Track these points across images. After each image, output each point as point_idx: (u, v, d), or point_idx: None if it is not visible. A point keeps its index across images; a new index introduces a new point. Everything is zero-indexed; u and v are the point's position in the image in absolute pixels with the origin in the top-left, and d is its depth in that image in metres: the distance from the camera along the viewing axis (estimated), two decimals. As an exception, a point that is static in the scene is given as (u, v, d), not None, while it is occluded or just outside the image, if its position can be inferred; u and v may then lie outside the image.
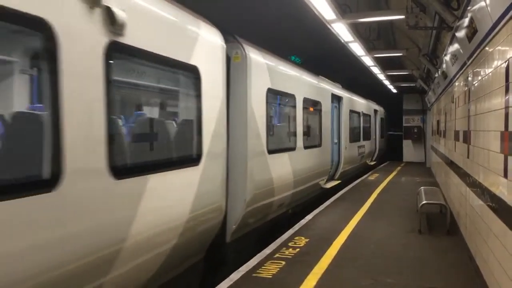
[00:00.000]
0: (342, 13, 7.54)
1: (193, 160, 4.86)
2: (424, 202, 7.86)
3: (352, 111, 15.12)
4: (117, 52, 3.59)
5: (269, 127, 7.33)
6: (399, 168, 20.47)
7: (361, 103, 17.42)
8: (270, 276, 5.32)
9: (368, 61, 12.78)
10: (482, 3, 4.33)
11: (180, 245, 4.58)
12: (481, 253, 5.20)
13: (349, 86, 15.82)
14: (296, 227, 7.94)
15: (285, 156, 8.12)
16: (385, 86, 20.81)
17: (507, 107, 3.86)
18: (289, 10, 10.02)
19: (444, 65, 8.91)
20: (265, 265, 5.73)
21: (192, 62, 4.76)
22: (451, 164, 9.06)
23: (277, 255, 6.18)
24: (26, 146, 3.08)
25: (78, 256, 3.15)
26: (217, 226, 5.51)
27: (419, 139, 23.34)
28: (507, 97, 3.87)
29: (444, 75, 9.50)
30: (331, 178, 12.58)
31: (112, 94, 3.52)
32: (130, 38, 3.67)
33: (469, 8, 5.02)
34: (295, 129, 8.87)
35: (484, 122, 5.00)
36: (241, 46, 6.37)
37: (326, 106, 11.50)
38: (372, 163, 20.98)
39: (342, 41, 9.57)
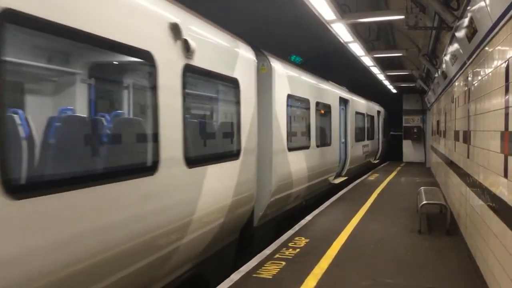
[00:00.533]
0: (342, 13, 7.54)
1: (235, 154, 5.96)
2: (424, 202, 7.86)
3: (357, 113, 16.20)
4: (189, 72, 4.64)
5: (289, 128, 8.39)
6: (399, 168, 20.47)
7: (365, 105, 18.44)
8: (270, 277, 5.32)
9: (367, 61, 12.78)
10: (482, 3, 4.33)
11: (225, 223, 5.66)
12: (481, 253, 5.20)
13: (349, 85, 15.92)
14: (296, 227, 7.94)
15: (301, 153, 9.23)
16: (384, 86, 20.82)
17: (507, 107, 3.86)
18: (290, 9, 10.02)
19: (444, 65, 8.91)
20: (265, 265, 5.73)
21: (234, 75, 5.92)
22: (451, 164, 9.06)
23: (277, 255, 6.18)
24: (143, 143, 4.15)
25: (171, 220, 4.31)
26: (249, 211, 6.65)
27: (419, 139, 23.35)
28: (507, 97, 3.87)
29: (444, 75, 9.50)
30: (338, 175, 13.54)
31: (186, 103, 4.59)
32: (197, 60, 4.78)
33: (468, 8, 5.02)
34: (309, 129, 9.98)
35: (484, 122, 4.99)
36: (267, 58, 7.49)
37: (335, 108, 12.57)
38: (376, 161, 22.09)
39: (342, 41, 9.57)
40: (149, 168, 3.98)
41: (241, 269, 5.59)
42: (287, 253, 6.30)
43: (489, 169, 4.63)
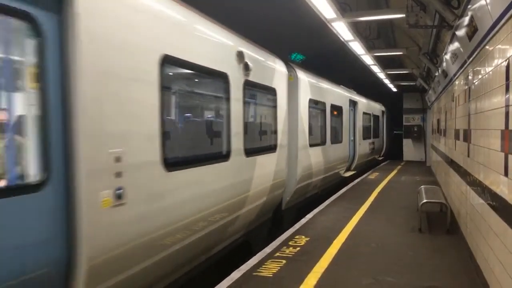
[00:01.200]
0: (342, 12, 7.54)
1: (273, 148, 7.62)
2: (424, 201, 7.87)
3: (364, 113, 17.97)
4: (247, 85, 6.31)
5: (310, 127, 9.92)
6: (399, 167, 20.48)
7: (371, 106, 20.21)
8: (271, 275, 5.33)
9: (368, 60, 12.77)
10: (482, 2, 4.33)
11: (266, 201, 7.31)
12: (481, 251, 5.20)
13: (349, 84, 16.00)
14: (297, 225, 7.94)
15: (319, 149, 10.80)
16: (385, 85, 20.81)
17: (507, 106, 3.86)
18: (291, 8, 10.02)
19: (444, 64, 8.91)
20: (265, 263, 5.74)
21: (273, 85, 7.58)
22: (452, 163, 9.06)
23: (277, 253, 6.19)
24: (224, 138, 5.71)
25: (238, 193, 6.00)
26: (280, 195, 8.24)
27: (419, 138, 23.34)
28: (507, 95, 3.87)
29: (444, 73, 9.49)
30: (348, 169, 15.17)
31: (245, 109, 6.31)
32: (251, 77, 6.39)
33: (469, 6, 5.02)
34: (325, 128, 11.58)
35: (484, 120, 5.00)
36: (294, 70, 9.02)
37: (346, 109, 14.17)
38: (380, 158, 23.65)
39: (342, 39, 9.57)
40: (226, 156, 5.70)
41: (241, 267, 5.60)
42: (287, 251, 6.31)
43: (489, 168, 4.63)
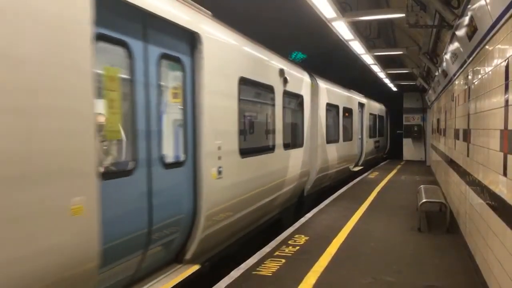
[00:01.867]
0: (342, 11, 7.53)
1: (301, 144, 9.45)
2: (424, 200, 7.87)
3: (370, 114, 19.94)
4: (285, 94, 8.12)
5: (327, 127, 11.79)
6: (399, 166, 20.48)
7: (377, 107, 22.13)
8: (270, 274, 5.34)
9: (368, 59, 12.77)
10: (482, 2, 4.33)
11: (295, 186, 9.03)
12: (480, 251, 5.21)
13: (349, 83, 16.14)
14: (296, 225, 7.96)
15: (333, 146, 12.58)
16: (385, 85, 20.79)
17: (506, 106, 3.87)
18: (292, 7, 10.04)
19: (444, 64, 8.91)
20: (265, 263, 5.75)
21: (301, 93, 9.42)
22: (451, 163, 9.07)
23: (277, 253, 6.20)
24: (272, 135, 7.57)
25: (279, 176, 7.81)
26: (304, 183, 9.95)
27: (419, 137, 23.33)
28: (506, 95, 3.87)
29: (444, 73, 9.49)
30: (356, 164, 16.85)
31: (284, 112, 8.08)
32: (287, 87, 8.21)
33: (469, 6, 5.02)
34: (338, 127, 13.38)
35: (484, 120, 5.00)
36: (314, 78, 10.83)
37: (355, 111, 16.07)
38: (385, 155, 25.28)
39: (342, 39, 9.57)
40: (272, 148, 7.54)
41: (240, 266, 5.61)
42: (287, 250, 6.31)
43: (489, 168, 4.64)
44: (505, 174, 3.87)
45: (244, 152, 6.14)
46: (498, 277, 4.20)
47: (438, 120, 14.31)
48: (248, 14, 10.82)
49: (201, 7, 5.21)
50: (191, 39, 4.92)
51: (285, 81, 8.04)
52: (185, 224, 4.83)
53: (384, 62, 15.24)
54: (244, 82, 6.22)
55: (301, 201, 10.07)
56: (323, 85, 11.45)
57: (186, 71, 4.82)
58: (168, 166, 4.51)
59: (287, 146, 8.26)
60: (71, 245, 3.07)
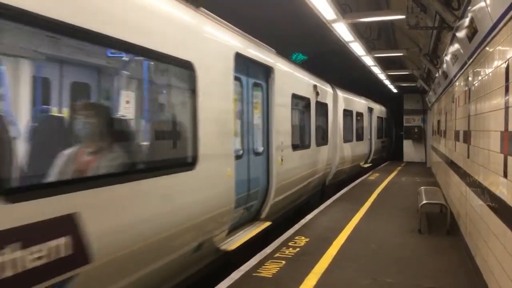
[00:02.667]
0: (343, 13, 7.54)
1: (326, 143, 11.74)
2: (424, 201, 7.87)
3: (378, 117, 22.62)
4: (317, 104, 10.50)
5: (344, 129, 14.21)
6: (399, 168, 20.47)
7: (383, 111, 24.74)
8: (270, 276, 5.34)
9: (368, 61, 12.78)
10: (482, 3, 4.33)
11: (321, 176, 11.33)
12: (481, 253, 5.21)
13: (347, 84, 16.31)
14: (297, 226, 7.95)
15: (348, 145, 15.00)
16: (386, 86, 20.80)
17: (507, 107, 3.87)
18: (293, 8, 10.05)
19: (444, 65, 8.91)
20: (265, 264, 5.75)
21: (327, 101, 11.87)
22: (451, 164, 9.07)
23: (277, 254, 6.19)
24: (308, 136, 10.07)
25: (311, 167, 10.12)
26: (326, 175, 12.30)
27: (420, 139, 23.31)
28: (507, 97, 3.87)
29: (445, 75, 9.50)
30: (365, 162, 19.31)
31: (316, 117, 10.41)
32: (319, 98, 10.62)
33: (469, 8, 5.02)
34: (352, 129, 15.79)
35: (484, 122, 5.00)
36: (335, 89, 13.26)
37: (365, 114, 18.60)
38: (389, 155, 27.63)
39: (343, 40, 9.58)
40: (309, 145, 9.94)
41: (241, 268, 5.60)
42: (287, 252, 6.31)
43: (489, 169, 4.64)
44: (505, 175, 3.87)
45: (294, 147, 8.64)
46: (499, 279, 4.19)
47: (438, 122, 14.31)
48: (248, 14, 10.83)
49: (270, 48, 7.72)
50: (267, 70, 7.42)
51: (317, 94, 10.58)
52: (262, 194, 7.21)
53: (385, 64, 15.25)
54: (294, 96, 8.75)
55: (323, 189, 12.41)
56: (341, 94, 13.95)
57: (264, 92, 7.34)
58: (256, 154, 7.02)
59: (318, 144, 10.72)
60: (226, 193, 5.49)
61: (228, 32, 5.93)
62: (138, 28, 3.81)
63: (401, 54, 13.25)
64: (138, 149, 4.36)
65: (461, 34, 5.91)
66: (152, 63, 4.42)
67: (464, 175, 6.87)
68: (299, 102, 9.54)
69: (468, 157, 6.33)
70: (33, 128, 3.94)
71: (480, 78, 5.35)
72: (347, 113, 14.78)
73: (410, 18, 7.35)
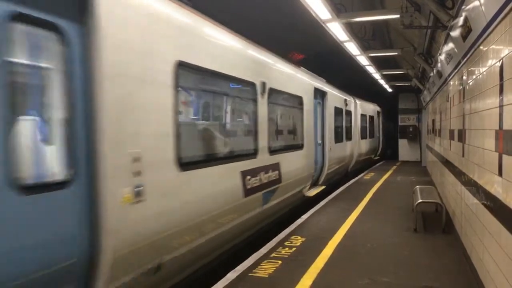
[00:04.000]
0: (337, 13, 7.55)
1: (351, 138, 16.59)
2: (419, 200, 7.88)
3: (382, 118, 27.51)
4: (346, 112, 15.69)
5: (361, 128, 18.88)
6: (394, 167, 20.53)
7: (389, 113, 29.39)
8: (266, 276, 5.33)
9: (363, 60, 12.80)
10: (476, 2, 4.35)
11: (346, 163, 15.63)
12: (476, 251, 5.22)
13: (345, 84, 16.87)
14: (292, 226, 7.95)
15: (364, 141, 19.62)
16: (381, 85, 20.85)
17: (501, 106, 3.88)
18: (288, 8, 10.06)
19: (439, 64, 8.94)
20: (261, 264, 5.74)
21: (351, 109, 16.75)
22: (447, 163, 9.09)
23: (273, 254, 6.19)
24: (341, 133, 15.10)
25: (344, 156, 15.30)
26: (350, 162, 16.45)
27: (415, 138, 23.39)
28: (501, 96, 3.88)
29: (439, 74, 9.53)
30: (375, 155, 23.76)
31: (346, 121, 15.61)
32: (347, 107, 15.81)
33: (463, 7, 5.04)
34: (366, 129, 20.40)
35: (479, 120, 5.01)
36: (355, 99, 17.64)
37: (375, 117, 23.31)
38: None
39: (337, 40, 9.58)
40: (341, 140, 14.56)
41: (237, 268, 5.59)
42: (283, 252, 6.31)
43: (484, 168, 4.65)
44: (500, 174, 3.88)
45: (336, 141, 13.22)
46: (494, 277, 4.20)
47: (433, 121, 14.36)
48: (243, 15, 10.82)
49: (322, 78, 12.22)
50: (323, 94, 11.87)
51: (346, 104, 15.48)
52: (319, 169, 11.37)
53: (379, 63, 15.29)
54: (335, 109, 13.29)
55: (347, 174, 16.25)
56: (358, 101, 18.29)
57: (321, 106, 11.89)
58: (318, 144, 11.15)
59: (346, 139, 15.29)
60: (312, 164, 10.53)
61: (310, 75, 10.91)
62: (293, 87, 9.31)
63: (396, 53, 13.28)
64: (289, 138, 9.37)
65: (455, 33, 5.93)
66: (295, 99, 9.56)
67: (459, 174, 6.89)
68: (337, 112, 13.81)
69: (463, 156, 6.35)
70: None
71: (474, 77, 5.36)
72: (363, 116, 19.44)
73: (404, 18, 7.37)
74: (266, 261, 5.88)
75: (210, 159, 5.45)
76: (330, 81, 13.81)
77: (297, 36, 13.48)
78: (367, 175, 16.92)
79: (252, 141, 6.95)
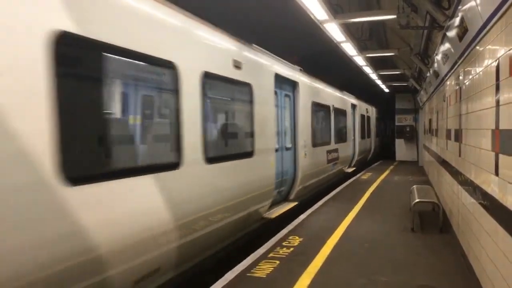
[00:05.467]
0: (334, 13, 7.57)
1: (352, 139, 17.68)
2: (416, 200, 7.91)
3: (377, 119, 28.70)
4: (361, 117, 20.05)
5: (376, 128, 25.75)
6: (391, 167, 20.58)
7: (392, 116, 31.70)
8: (264, 276, 5.34)
9: (360, 61, 12.83)
10: (473, 3, 4.37)
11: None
12: (473, 250, 5.25)
13: (343, 84, 16.82)
14: (290, 226, 7.96)
15: (367, 140, 21.72)
16: (377, 86, 20.91)
17: (497, 106, 3.90)
18: (285, 9, 10.08)
19: (435, 65, 8.97)
20: (259, 264, 5.75)
21: (368, 114, 22.36)
22: (443, 163, 9.13)
23: (271, 254, 6.20)
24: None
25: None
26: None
27: (412, 138, 23.46)
28: (497, 95, 3.91)
29: (436, 74, 9.56)
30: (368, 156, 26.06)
31: (360, 124, 19.77)
32: (355, 110, 18.72)
33: (460, 7, 5.06)
34: (370, 131, 22.81)
35: (476, 120, 5.04)
36: (357, 102, 18.97)
37: (384, 120, 28.64)
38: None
39: (334, 41, 9.61)
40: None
41: (235, 268, 5.60)
42: (281, 252, 6.32)
43: (480, 167, 4.68)
44: (496, 173, 3.90)
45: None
46: (491, 276, 4.23)
47: (430, 121, 14.40)
48: (238, 16, 10.84)
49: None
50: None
51: (354, 107, 17.81)
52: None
53: (376, 64, 15.32)
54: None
55: (368, 162, 20.89)
56: (360, 104, 19.63)
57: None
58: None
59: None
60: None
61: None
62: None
63: (393, 54, 13.31)
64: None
65: (451, 33, 5.95)
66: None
67: (456, 174, 6.92)
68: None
69: (460, 156, 6.38)
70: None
71: (471, 77, 5.39)
72: (364, 118, 20.82)
73: (401, 18, 7.39)
74: (264, 261, 5.89)
75: None
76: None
77: (292, 36, 13.49)
78: (364, 175, 16.96)
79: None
